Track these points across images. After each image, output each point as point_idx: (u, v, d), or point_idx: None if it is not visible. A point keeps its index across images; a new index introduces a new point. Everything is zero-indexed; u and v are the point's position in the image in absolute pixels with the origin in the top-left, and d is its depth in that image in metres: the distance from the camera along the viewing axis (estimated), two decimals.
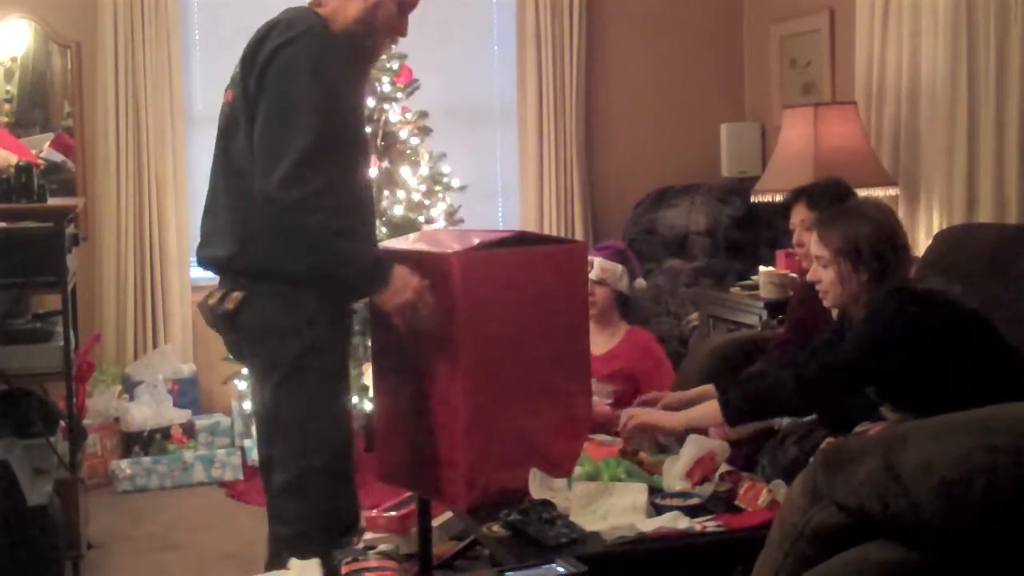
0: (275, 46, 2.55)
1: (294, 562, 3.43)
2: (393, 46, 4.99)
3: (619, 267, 3.92)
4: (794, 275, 4.13)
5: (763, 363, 3.14)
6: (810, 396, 2.65)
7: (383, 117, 4.92)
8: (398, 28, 2.73)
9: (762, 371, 3.01)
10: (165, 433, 4.92)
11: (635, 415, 2.85)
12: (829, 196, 3.17)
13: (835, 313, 2.96)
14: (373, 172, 4.84)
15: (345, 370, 2.77)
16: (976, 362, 2.58)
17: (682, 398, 3.01)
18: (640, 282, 4.13)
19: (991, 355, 2.61)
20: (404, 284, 2.63)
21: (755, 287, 4.33)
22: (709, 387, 2.94)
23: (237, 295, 2.62)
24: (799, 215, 3.29)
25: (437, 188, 5.02)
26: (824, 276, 2.70)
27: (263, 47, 2.58)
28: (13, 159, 3.83)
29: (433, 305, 2.65)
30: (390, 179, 4.89)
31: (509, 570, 1.71)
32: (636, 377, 3.74)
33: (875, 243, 2.63)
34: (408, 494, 3.70)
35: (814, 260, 2.74)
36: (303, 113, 2.49)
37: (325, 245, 2.53)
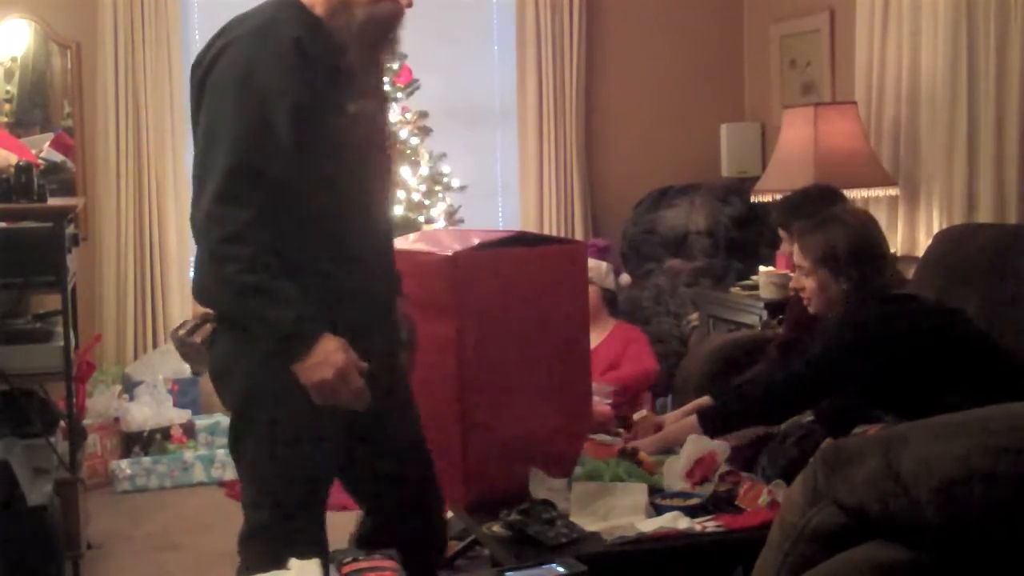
0: (213, 56, 2.23)
1: (294, 562, 3.43)
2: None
3: (604, 264, 3.95)
4: (793, 275, 4.14)
5: (763, 364, 3.16)
6: (779, 403, 2.69)
7: None
8: None
9: (739, 383, 3.04)
10: (165, 433, 4.92)
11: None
12: (806, 209, 3.22)
13: None
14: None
15: (308, 425, 2.30)
16: (959, 362, 2.60)
17: (678, 417, 3.02)
18: (625, 277, 4.17)
19: (974, 354, 2.63)
20: (325, 360, 2.17)
21: (755, 287, 4.33)
22: (704, 399, 2.97)
23: (208, 327, 2.34)
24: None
25: (437, 188, 5.03)
26: (807, 284, 2.76)
27: (206, 55, 2.26)
28: (13, 159, 3.83)
29: (360, 390, 2.21)
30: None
31: (509, 570, 1.71)
32: (617, 367, 3.79)
33: (853, 251, 2.67)
34: None
35: (797, 269, 2.79)
36: (223, 135, 2.15)
37: (234, 302, 2.20)
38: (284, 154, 2.16)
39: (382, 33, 2.28)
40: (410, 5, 2.28)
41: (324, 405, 2.20)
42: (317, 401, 2.20)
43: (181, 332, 2.41)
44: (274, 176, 2.15)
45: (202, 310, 2.38)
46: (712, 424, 2.72)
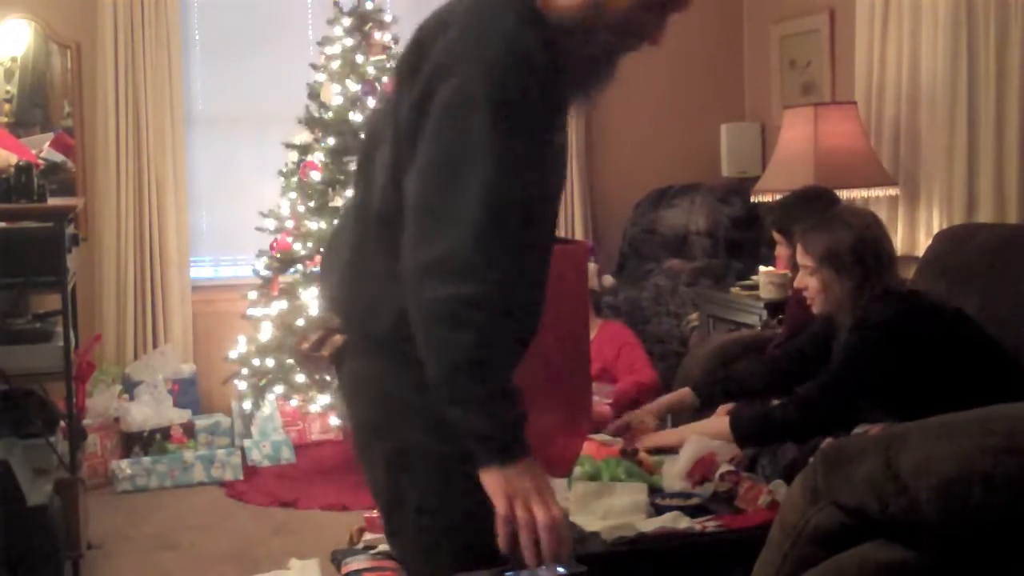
0: (448, 58, 1.72)
1: (294, 562, 3.43)
2: (393, 45, 5.03)
3: (593, 266, 3.95)
4: (791, 275, 4.14)
5: (759, 363, 3.14)
6: (815, 419, 2.65)
7: None
8: (647, 31, 1.80)
9: (773, 406, 2.96)
10: (165, 433, 4.92)
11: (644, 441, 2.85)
12: (801, 211, 3.23)
13: None
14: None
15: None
16: (963, 361, 2.60)
17: (660, 403, 3.02)
18: (608, 278, 4.17)
19: (979, 353, 2.64)
20: (520, 485, 1.75)
21: (755, 287, 4.33)
22: (685, 391, 2.96)
23: (335, 339, 1.95)
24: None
25: None
26: (810, 283, 2.75)
27: (434, 46, 1.76)
28: (13, 159, 3.83)
29: (561, 542, 1.71)
30: None
31: (509, 570, 1.70)
32: (609, 370, 3.79)
33: (857, 250, 2.67)
34: None
35: (800, 268, 2.78)
36: (477, 173, 1.67)
37: (452, 375, 1.70)
38: (536, 203, 1.79)
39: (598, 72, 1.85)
40: (655, 43, 1.82)
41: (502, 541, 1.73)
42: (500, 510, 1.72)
43: (305, 347, 2.03)
44: (521, 232, 1.74)
45: (321, 317, 2.07)
46: (745, 438, 2.69)
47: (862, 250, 2.67)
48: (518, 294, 1.78)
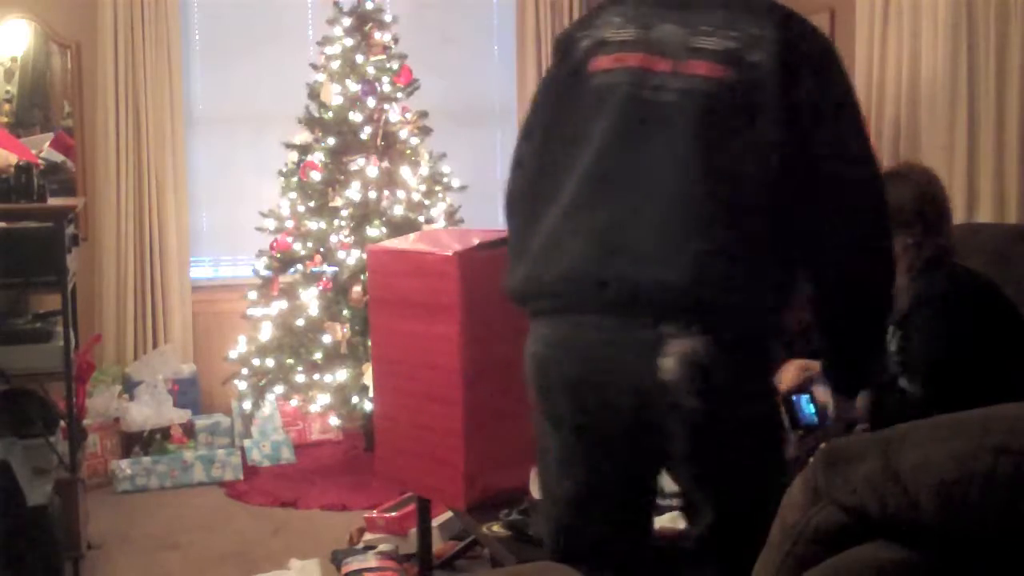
0: (802, 30, 1.93)
1: (294, 562, 3.43)
2: (393, 44, 5.02)
3: None
4: None
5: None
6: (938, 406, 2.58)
7: (383, 117, 4.93)
8: None
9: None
10: (165, 433, 4.92)
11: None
12: None
13: None
14: (372, 172, 4.85)
15: None
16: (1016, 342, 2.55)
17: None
18: None
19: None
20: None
21: None
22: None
23: (691, 343, 1.85)
24: None
25: (437, 188, 5.03)
26: None
27: (769, 20, 1.91)
28: (13, 159, 3.83)
29: None
30: (390, 179, 4.89)
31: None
32: None
33: (916, 207, 2.60)
34: (408, 494, 3.71)
35: None
36: (864, 134, 1.97)
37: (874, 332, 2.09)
38: None
39: None
40: None
41: None
42: None
43: (629, 356, 1.91)
44: None
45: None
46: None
47: (922, 204, 2.61)
48: None
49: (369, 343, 3.42)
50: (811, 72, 1.89)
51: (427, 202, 4.95)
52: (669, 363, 1.84)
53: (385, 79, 4.92)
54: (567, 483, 2.01)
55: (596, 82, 1.99)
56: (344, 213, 4.80)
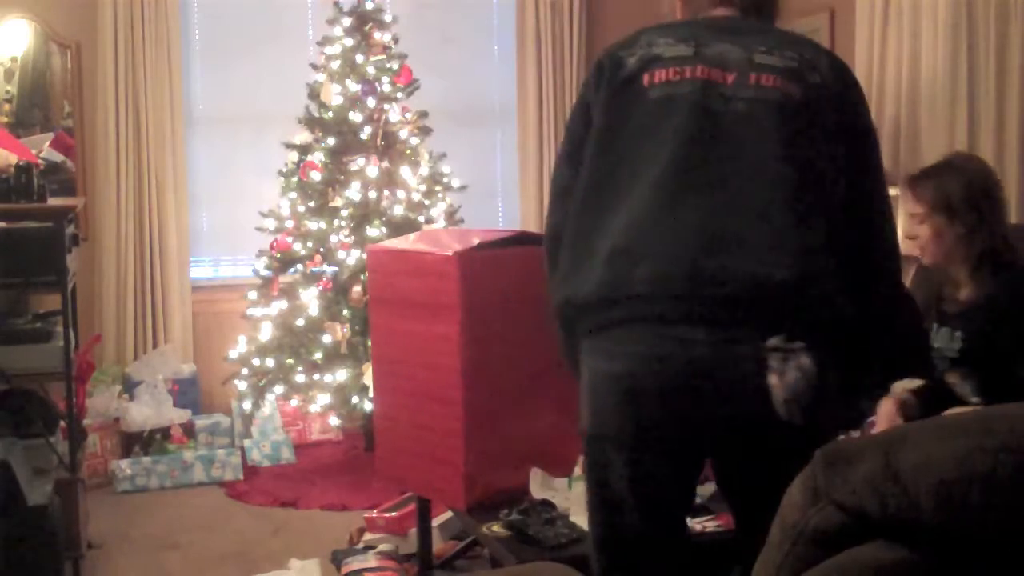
0: (842, 62, 2.08)
1: (294, 562, 3.43)
2: (393, 45, 5.03)
3: None
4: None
5: None
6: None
7: (383, 117, 4.93)
8: None
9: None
10: (165, 433, 4.92)
11: None
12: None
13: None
14: (372, 172, 4.85)
15: None
16: None
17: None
18: None
19: None
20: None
21: None
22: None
23: (805, 352, 1.81)
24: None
25: (437, 188, 5.03)
26: (921, 232, 2.65)
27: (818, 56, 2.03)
28: (13, 159, 3.83)
29: None
30: (390, 179, 4.89)
31: None
32: None
33: (969, 196, 2.58)
34: (408, 494, 3.71)
35: (909, 218, 2.70)
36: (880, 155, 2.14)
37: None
38: None
39: None
40: None
41: None
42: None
43: (747, 367, 1.83)
44: None
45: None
46: None
47: (975, 195, 2.59)
48: None
49: (369, 343, 3.42)
50: (854, 99, 2.04)
51: (427, 202, 4.96)
52: (777, 381, 1.78)
53: (385, 79, 4.92)
54: (633, 503, 1.92)
55: (657, 93, 1.99)
56: (344, 213, 4.80)
